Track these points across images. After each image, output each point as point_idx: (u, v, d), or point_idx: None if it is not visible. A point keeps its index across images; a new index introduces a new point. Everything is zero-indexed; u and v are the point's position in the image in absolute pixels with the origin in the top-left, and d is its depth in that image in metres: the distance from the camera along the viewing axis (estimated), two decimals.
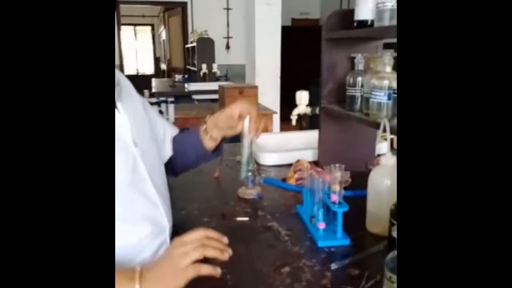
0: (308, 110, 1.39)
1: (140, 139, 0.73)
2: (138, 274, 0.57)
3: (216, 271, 0.61)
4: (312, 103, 1.36)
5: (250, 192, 1.04)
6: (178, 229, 0.84)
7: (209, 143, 0.91)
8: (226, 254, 0.64)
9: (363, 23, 0.99)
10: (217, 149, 0.94)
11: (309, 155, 1.31)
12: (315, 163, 1.25)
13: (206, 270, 0.61)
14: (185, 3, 4.72)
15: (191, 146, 0.92)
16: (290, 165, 1.23)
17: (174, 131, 0.96)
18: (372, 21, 0.97)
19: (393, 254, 0.59)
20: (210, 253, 0.62)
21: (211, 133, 0.89)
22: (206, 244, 0.62)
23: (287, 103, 1.86)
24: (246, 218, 0.91)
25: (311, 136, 1.53)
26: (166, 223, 0.75)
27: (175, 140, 0.94)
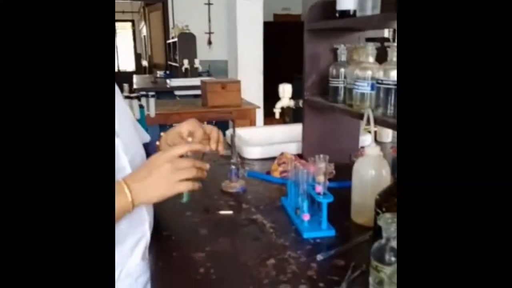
0: (291, 103, 1.38)
1: (121, 129, 0.70)
2: (124, 184, 0.61)
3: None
4: (295, 97, 1.35)
5: (233, 186, 1.03)
6: (160, 223, 0.82)
7: None
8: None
9: (345, 13, 0.99)
10: None
11: (293, 148, 1.30)
12: (299, 156, 1.24)
13: (197, 186, 0.69)
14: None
15: None
16: (274, 158, 1.22)
17: (146, 137, 0.93)
18: (355, 11, 0.97)
19: (378, 243, 0.58)
20: (199, 174, 0.69)
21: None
22: (197, 166, 0.68)
23: (270, 98, 1.85)
24: (230, 212, 0.90)
25: (295, 129, 1.52)
26: (145, 215, 0.73)
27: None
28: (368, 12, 0.90)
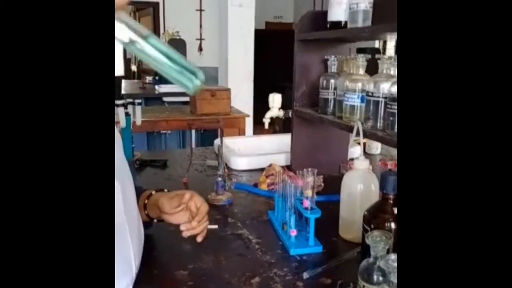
0: (281, 113, 1.37)
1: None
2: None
3: None
4: (286, 106, 1.33)
5: (220, 198, 1.00)
6: (144, 239, 0.78)
7: (143, 215, 0.78)
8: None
9: (336, 24, 0.97)
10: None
11: (282, 159, 1.28)
12: (288, 167, 1.22)
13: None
14: (157, 4, 4.62)
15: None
16: (262, 169, 1.19)
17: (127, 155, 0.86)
18: (346, 22, 0.95)
19: (366, 262, 0.56)
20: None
21: (148, 210, 0.79)
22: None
23: (261, 106, 1.83)
24: (215, 226, 0.87)
25: (284, 139, 1.51)
26: (133, 261, 0.64)
27: None
28: (359, 24, 0.89)
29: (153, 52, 0.37)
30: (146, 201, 0.79)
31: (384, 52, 4.17)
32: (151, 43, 0.37)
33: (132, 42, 0.37)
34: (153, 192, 0.80)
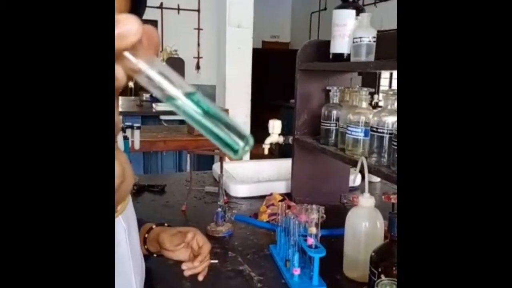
0: (280, 140, 1.35)
1: None
2: None
3: None
4: (283, 126, 1.32)
5: (220, 230, 0.98)
6: None
7: (142, 249, 0.76)
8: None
9: (339, 56, 0.98)
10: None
11: (282, 187, 1.26)
12: (288, 195, 1.20)
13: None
14: (155, 21, 4.66)
15: None
16: (262, 196, 1.18)
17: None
18: (348, 54, 0.96)
19: None
20: None
21: (148, 245, 0.77)
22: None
23: (258, 124, 1.82)
24: (215, 261, 0.85)
25: (283, 165, 1.50)
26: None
27: None
28: (363, 57, 0.89)
29: (196, 110, 0.32)
30: (146, 235, 0.77)
31: (379, 75, 4.21)
32: (195, 100, 0.33)
33: (171, 98, 0.32)
34: (154, 226, 0.78)
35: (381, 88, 4.07)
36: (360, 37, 0.88)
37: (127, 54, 0.33)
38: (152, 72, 0.33)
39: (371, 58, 0.89)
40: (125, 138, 1.34)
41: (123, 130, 1.33)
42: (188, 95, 0.33)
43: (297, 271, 0.76)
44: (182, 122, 3.11)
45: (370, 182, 1.44)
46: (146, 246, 0.77)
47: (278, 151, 3.51)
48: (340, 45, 0.96)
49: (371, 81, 3.78)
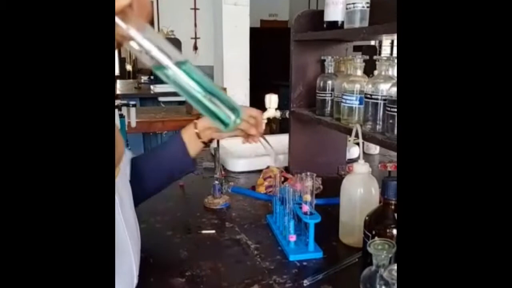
0: (277, 114, 1.34)
1: None
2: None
3: None
4: (282, 105, 1.32)
5: (217, 202, 0.98)
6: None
7: (196, 148, 0.83)
8: None
9: (333, 24, 0.96)
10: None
11: (279, 160, 1.26)
12: (286, 169, 1.21)
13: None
14: (151, 3, 4.59)
15: (165, 162, 0.82)
16: (259, 171, 1.18)
17: (129, 153, 0.79)
18: (342, 22, 0.94)
19: (368, 270, 0.55)
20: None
21: (202, 136, 0.83)
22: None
23: (257, 104, 1.81)
24: (213, 231, 0.85)
25: (282, 140, 1.49)
26: (134, 272, 0.64)
27: (135, 163, 0.78)
28: (357, 24, 0.87)
29: (186, 81, 0.31)
30: (196, 130, 0.82)
31: (380, 50, 4.16)
32: (186, 70, 0.31)
33: (161, 67, 0.31)
34: (195, 121, 0.83)
35: None
36: (354, 3, 0.87)
37: (117, 19, 0.32)
38: (142, 39, 0.32)
39: (365, 24, 0.87)
40: (121, 116, 1.34)
41: (119, 108, 1.32)
42: (179, 64, 0.32)
43: (293, 238, 0.76)
44: (180, 103, 3.10)
45: (368, 155, 1.44)
46: (201, 140, 0.82)
47: (279, 130, 3.50)
48: (334, 12, 0.94)
49: (371, 55, 3.73)
